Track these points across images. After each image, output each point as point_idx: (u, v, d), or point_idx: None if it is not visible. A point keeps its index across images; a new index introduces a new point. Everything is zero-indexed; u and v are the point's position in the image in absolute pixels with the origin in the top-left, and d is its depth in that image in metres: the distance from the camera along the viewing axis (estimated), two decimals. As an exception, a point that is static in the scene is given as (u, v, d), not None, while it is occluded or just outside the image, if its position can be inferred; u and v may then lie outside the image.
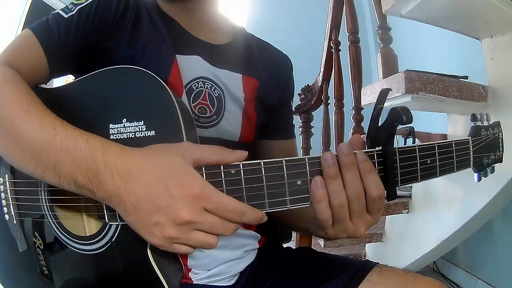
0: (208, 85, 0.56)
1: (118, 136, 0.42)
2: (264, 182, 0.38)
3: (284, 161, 0.39)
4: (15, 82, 0.43)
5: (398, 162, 0.42)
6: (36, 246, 0.50)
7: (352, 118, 1.49)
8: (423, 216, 1.36)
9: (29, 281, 0.53)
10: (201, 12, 0.59)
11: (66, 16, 0.50)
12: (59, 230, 0.48)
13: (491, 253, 1.56)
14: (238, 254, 0.59)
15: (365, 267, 0.54)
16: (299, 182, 0.39)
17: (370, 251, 1.67)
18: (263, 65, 0.64)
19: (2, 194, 0.52)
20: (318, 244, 1.55)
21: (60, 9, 0.51)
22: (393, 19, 1.31)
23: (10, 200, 0.51)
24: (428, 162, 0.44)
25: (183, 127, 0.41)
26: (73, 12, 0.50)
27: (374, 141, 0.42)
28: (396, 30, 1.49)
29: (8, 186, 0.51)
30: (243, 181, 0.38)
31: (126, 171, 0.36)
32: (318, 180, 0.39)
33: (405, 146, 0.43)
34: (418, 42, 2.22)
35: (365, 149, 0.42)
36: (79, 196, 0.44)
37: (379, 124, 0.42)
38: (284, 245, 0.73)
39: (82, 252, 0.46)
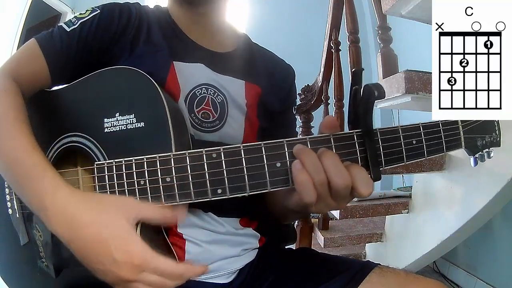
0: (211, 91, 0.57)
1: (112, 129, 0.46)
2: (244, 165, 0.40)
3: (262, 144, 0.40)
4: (9, 94, 0.47)
5: (380, 143, 0.42)
6: (37, 238, 0.52)
7: (352, 118, 1.48)
8: (423, 216, 1.36)
9: (29, 274, 0.54)
10: (208, 21, 0.60)
11: (68, 29, 0.52)
12: None
13: (491, 253, 1.56)
14: (236, 251, 0.59)
15: (365, 267, 0.54)
16: (278, 164, 0.40)
17: (370, 251, 1.67)
18: (265, 73, 0.65)
19: (7, 190, 0.54)
20: (318, 244, 1.55)
21: (64, 22, 0.53)
22: (393, 19, 1.31)
23: (14, 195, 0.53)
24: (414, 142, 0.44)
25: (169, 118, 0.44)
26: (75, 26, 0.53)
27: (354, 124, 0.42)
28: (396, 30, 1.49)
29: None
30: (223, 164, 0.40)
31: (71, 220, 0.38)
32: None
33: (387, 127, 0.43)
34: (418, 42, 2.22)
35: (340, 130, 0.42)
36: None
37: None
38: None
39: None
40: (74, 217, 0.38)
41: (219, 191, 0.40)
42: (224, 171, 0.40)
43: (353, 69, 0.42)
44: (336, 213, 1.39)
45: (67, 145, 0.50)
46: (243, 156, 0.40)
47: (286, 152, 0.40)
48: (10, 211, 0.54)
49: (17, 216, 0.53)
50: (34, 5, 2.77)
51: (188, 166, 0.41)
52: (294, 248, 0.72)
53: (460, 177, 1.19)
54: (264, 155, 0.40)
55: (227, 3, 0.62)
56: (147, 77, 0.46)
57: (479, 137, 0.49)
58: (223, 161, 0.40)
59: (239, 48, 0.65)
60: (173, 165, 0.41)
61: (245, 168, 0.40)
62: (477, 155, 0.50)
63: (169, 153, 0.41)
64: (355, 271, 0.53)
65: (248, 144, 0.40)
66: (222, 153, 0.40)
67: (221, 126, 0.57)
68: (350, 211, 1.36)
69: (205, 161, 0.40)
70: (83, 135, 0.48)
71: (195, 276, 0.41)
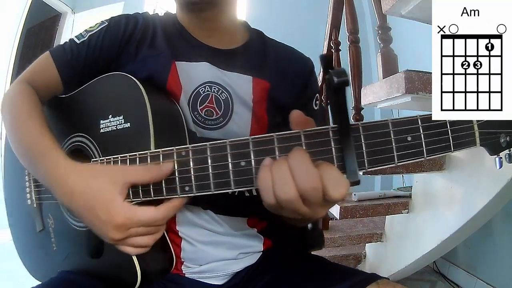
0: (215, 89, 0.57)
1: (106, 129, 0.52)
2: (209, 163, 0.40)
3: (227, 142, 0.40)
4: (24, 95, 0.54)
5: (362, 140, 0.37)
6: (49, 225, 0.60)
7: (352, 118, 1.49)
8: (423, 216, 1.36)
9: (43, 258, 0.63)
10: (215, 24, 0.60)
11: (78, 42, 0.57)
12: (64, 209, 0.57)
13: (491, 253, 1.56)
14: (233, 254, 0.59)
15: (362, 282, 0.51)
16: (242, 164, 0.39)
17: (370, 251, 1.67)
18: (275, 66, 0.63)
19: (27, 183, 0.64)
20: (318, 244, 1.55)
21: (75, 36, 0.59)
22: (393, 19, 1.32)
23: (32, 188, 0.63)
24: (409, 139, 0.36)
25: (150, 119, 0.48)
26: (85, 38, 0.57)
27: (333, 118, 0.38)
28: (396, 30, 1.50)
29: (31, 176, 0.64)
30: (191, 162, 0.41)
31: (70, 191, 0.43)
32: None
33: (373, 121, 0.37)
34: (418, 42, 2.23)
35: (311, 126, 0.39)
36: None
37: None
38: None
39: (77, 228, 0.54)
40: (71, 189, 0.43)
41: (187, 188, 0.42)
42: (191, 169, 0.41)
43: (320, 55, 0.38)
44: (336, 213, 1.39)
45: (73, 144, 0.57)
46: (208, 154, 0.40)
47: (251, 151, 0.38)
48: (29, 201, 0.63)
49: (34, 206, 0.63)
50: (34, 5, 2.78)
51: (161, 163, 0.43)
52: (296, 252, 0.70)
53: (460, 177, 1.19)
54: (229, 154, 0.39)
55: (235, 4, 0.61)
56: (135, 81, 0.50)
57: (503, 132, 0.38)
58: (190, 159, 0.41)
59: (247, 43, 0.64)
60: (149, 162, 0.43)
61: (210, 166, 0.40)
62: (501, 155, 0.40)
63: (146, 152, 0.44)
64: (350, 284, 0.50)
65: (215, 142, 0.40)
66: (190, 151, 0.41)
67: (225, 123, 0.57)
68: (350, 211, 1.36)
69: (175, 158, 0.42)
70: (85, 135, 0.55)
71: (175, 212, 0.44)
